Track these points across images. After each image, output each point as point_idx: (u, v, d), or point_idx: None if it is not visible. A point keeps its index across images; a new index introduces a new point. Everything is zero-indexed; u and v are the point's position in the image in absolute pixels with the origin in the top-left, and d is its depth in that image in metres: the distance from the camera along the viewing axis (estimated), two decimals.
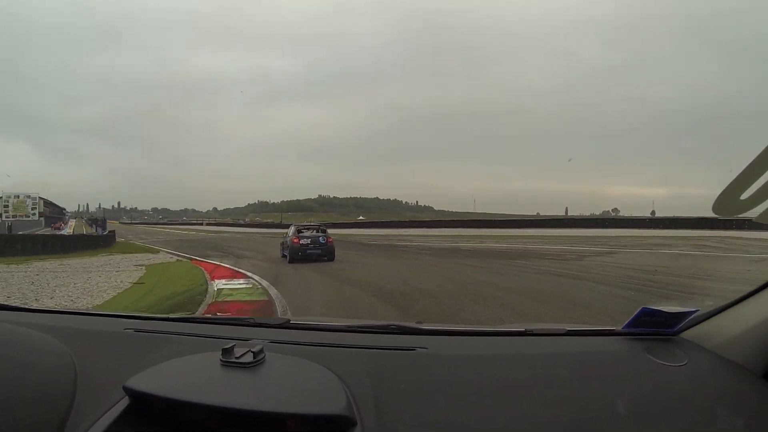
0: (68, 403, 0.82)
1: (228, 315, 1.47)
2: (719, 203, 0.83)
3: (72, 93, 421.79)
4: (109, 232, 26.51)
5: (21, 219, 32.25)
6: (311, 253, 12.75)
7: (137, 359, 0.98)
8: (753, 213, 0.80)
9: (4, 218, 31.06)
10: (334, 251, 13.27)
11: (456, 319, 5.31)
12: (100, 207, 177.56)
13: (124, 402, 0.81)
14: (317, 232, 13.50)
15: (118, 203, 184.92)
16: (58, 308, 1.46)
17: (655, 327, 1.05)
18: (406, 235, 30.08)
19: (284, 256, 13.48)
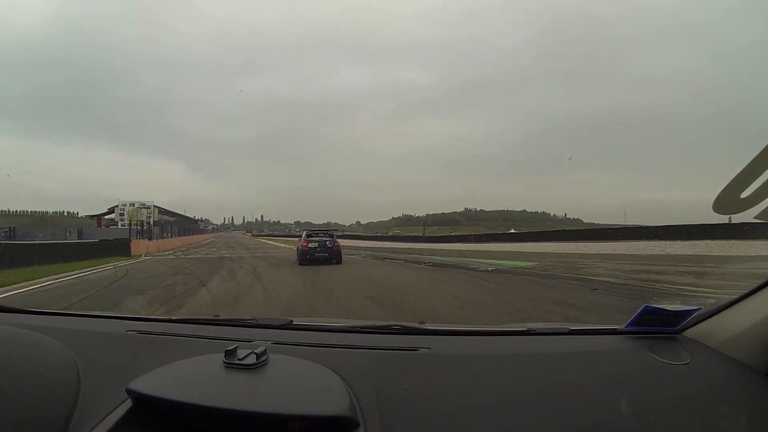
0: (71, 406, 0.82)
1: (230, 316, 1.47)
2: (720, 202, 0.83)
3: (222, 115, 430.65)
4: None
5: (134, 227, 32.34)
6: (319, 256, 13.59)
7: (140, 361, 0.98)
8: (753, 212, 0.80)
9: (120, 226, 31.55)
10: (341, 254, 14.20)
11: None
12: (244, 220, 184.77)
13: (127, 404, 0.81)
14: (325, 236, 14.55)
15: (261, 216, 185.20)
16: (60, 310, 1.45)
17: (658, 325, 1.06)
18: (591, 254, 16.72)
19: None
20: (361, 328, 1.24)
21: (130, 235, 22.12)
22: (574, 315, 5.01)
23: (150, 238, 24.86)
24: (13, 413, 0.73)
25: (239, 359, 0.86)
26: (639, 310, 1.06)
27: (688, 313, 1.03)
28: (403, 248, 29.15)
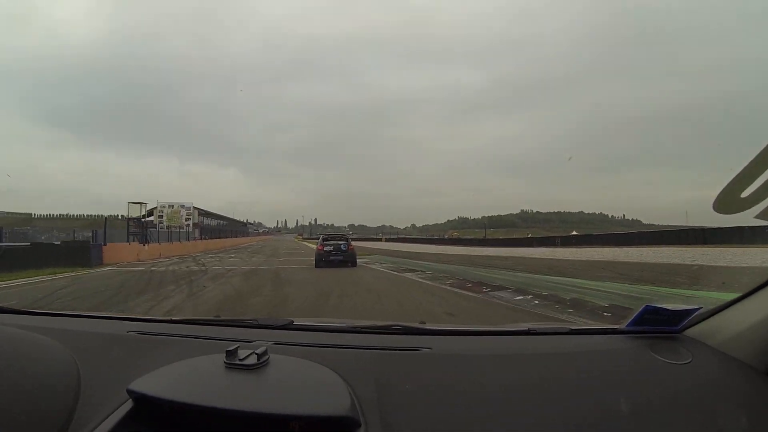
0: (72, 406, 0.82)
1: (231, 317, 1.48)
2: (720, 201, 0.83)
3: (275, 121, 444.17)
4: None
5: (173, 229, 31.59)
6: (334, 259, 14.02)
7: (141, 362, 0.98)
8: (754, 211, 0.80)
9: (159, 228, 30.56)
10: (356, 257, 14.61)
11: None
12: (297, 223, 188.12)
13: (128, 405, 0.81)
14: (340, 240, 14.91)
15: (315, 220, 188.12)
16: (61, 311, 1.45)
17: (659, 325, 1.06)
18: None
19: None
20: (361, 328, 1.24)
21: (95, 239, 18.84)
22: None
23: (146, 242, 22.79)
24: (14, 414, 0.73)
25: (240, 359, 0.86)
26: (640, 309, 1.06)
27: (689, 312, 1.03)
28: (465, 255, 23.19)
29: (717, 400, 0.84)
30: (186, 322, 1.35)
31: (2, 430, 0.70)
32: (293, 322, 1.26)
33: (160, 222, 31.81)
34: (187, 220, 33.72)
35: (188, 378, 0.87)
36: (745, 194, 0.80)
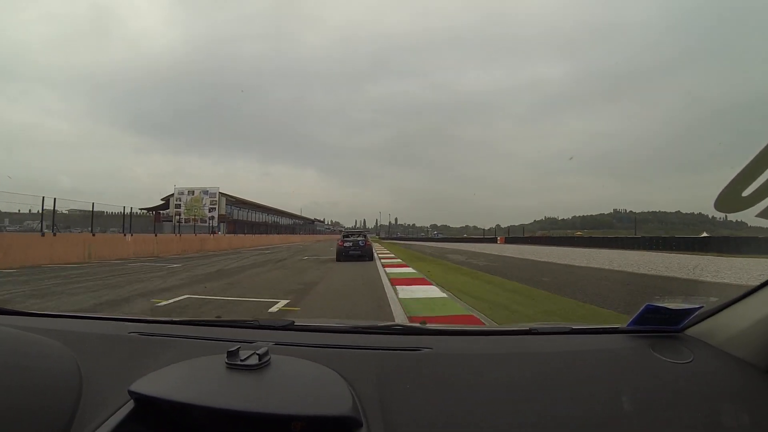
0: (73, 407, 0.82)
1: (232, 318, 1.48)
2: (721, 200, 0.82)
3: (355, 122, 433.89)
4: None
5: (190, 224, 21.91)
6: (353, 254, 15.99)
7: (142, 362, 0.98)
8: (754, 210, 0.80)
9: (176, 222, 22.35)
10: (372, 252, 16.63)
11: None
12: (376, 223, 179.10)
13: (129, 405, 0.81)
14: (358, 237, 16.97)
15: (395, 219, 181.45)
16: (62, 312, 1.45)
17: (660, 324, 1.06)
18: None
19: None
20: (362, 328, 1.24)
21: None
22: None
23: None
24: (15, 415, 0.74)
25: (241, 360, 0.86)
26: (641, 308, 1.06)
27: (691, 311, 1.03)
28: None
29: (718, 398, 0.84)
30: (187, 323, 1.35)
31: (6, 431, 0.70)
32: (294, 322, 1.26)
33: (177, 213, 24.92)
34: (211, 209, 26.24)
35: (190, 378, 0.87)
36: (746, 193, 0.79)
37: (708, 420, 0.79)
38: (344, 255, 15.95)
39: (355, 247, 16.16)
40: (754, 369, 0.87)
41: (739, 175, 0.79)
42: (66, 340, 1.05)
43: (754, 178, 0.78)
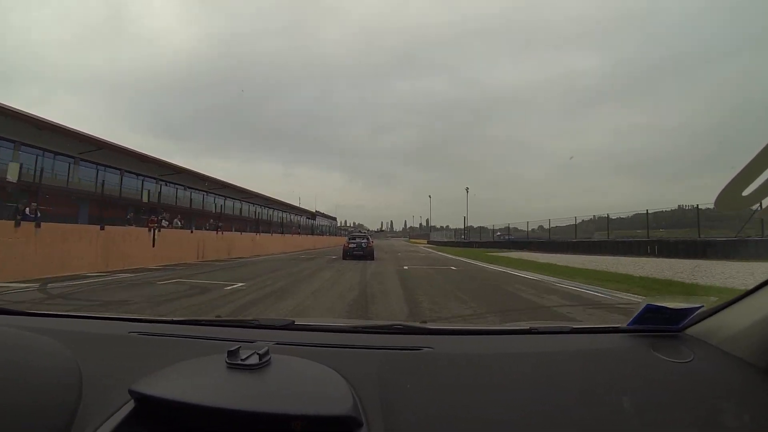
0: (73, 408, 0.82)
1: (232, 317, 1.48)
2: (721, 199, 0.82)
3: (379, 122, 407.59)
4: None
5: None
6: (356, 254, 17.86)
7: (142, 362, 0.98)
8: (754, 209, 0.80)
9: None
10: (374, 252, 18.62)
11: None
12: (405, 225, 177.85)
13: (130, 405, 0.81)
14: (362, 239, 18.98)
15: (426, 221, 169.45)
16: (62, 312, 1.45)
17: (660, 323, 1.06)
18: None
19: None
20: (363, 327, 1.24)
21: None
22: None
23: None
24: (15, 416, 0.73)
25: (242, 359, 0.86)
26: (641, 308, 1.06)
27: (691, 311, 1.04)
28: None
29: (718, 398, 0.84)
30: (187, 323, 1.35)
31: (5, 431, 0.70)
32: (294, 322, 1.26)
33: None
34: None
35: (190, 378, 0.87)
36: (746, 192, 0.79)
37: (708, 419, 0.79)
38: (349, 254, 17.93)
39: (358, 248, 18.11)
40: (754, 368, 0.87)
41: (739, 174, 0.79)
42: (66, 340, 1.05)
43: (753, 179, 0.78)
